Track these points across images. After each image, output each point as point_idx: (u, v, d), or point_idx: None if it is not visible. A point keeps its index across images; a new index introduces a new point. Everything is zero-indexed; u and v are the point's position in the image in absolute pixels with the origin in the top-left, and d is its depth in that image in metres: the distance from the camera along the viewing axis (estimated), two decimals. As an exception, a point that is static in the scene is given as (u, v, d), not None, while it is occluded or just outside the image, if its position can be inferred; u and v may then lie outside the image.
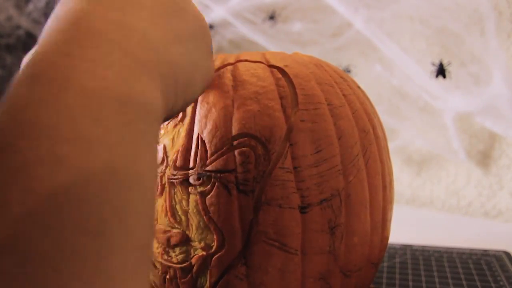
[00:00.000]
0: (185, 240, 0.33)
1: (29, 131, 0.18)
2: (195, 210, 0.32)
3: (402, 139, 0.79)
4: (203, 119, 0.32)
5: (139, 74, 0.22)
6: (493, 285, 0.47)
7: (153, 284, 0.36)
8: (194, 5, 0.29)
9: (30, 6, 0.87)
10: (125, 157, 0.19)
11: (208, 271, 0.32)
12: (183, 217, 0.33)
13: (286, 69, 0.34)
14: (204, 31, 0.29)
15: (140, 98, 0.21)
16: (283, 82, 0.33)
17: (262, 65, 0.34)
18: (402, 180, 0.83)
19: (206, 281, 0.32)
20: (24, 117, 0.18)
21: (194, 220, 0.32)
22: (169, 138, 0.34)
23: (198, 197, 0.32)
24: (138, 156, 0.20)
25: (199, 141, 0.32)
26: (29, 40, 0.88)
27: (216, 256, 0.32)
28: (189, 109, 0.33)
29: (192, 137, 0.32)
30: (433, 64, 0.68)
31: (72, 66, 0.20)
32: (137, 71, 0.22)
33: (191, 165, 0.32)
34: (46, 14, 0.89)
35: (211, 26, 0.95)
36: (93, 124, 0.19)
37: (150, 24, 0.24)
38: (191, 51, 0.27)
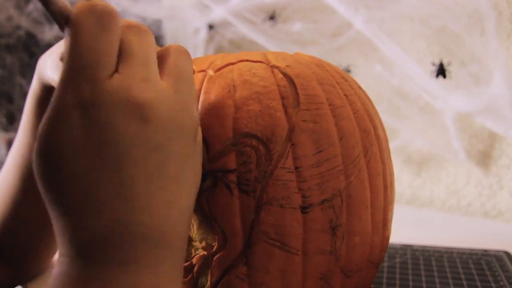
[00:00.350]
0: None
1: None
2: (196, 210, 0.32)
3: (402, 139, 0.79)
4: (205, 119, 0.32)
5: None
6: (493, 285, 0.47)
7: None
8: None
9: (30, 6, 0.87)
10: None
11: (209, 271, 0.32)
12: (184, 217, 0.33)
13: (287, 69, 0.34)
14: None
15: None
16: (284, 82, 0.33)
17: (263, 65, 0.34)
18: (402, 180, 0.83)
19: (207, 280, 0.32)
20: None
21: (195, 220, 0.32)
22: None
23: (199, 196, 0.32)
24: None
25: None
26: (29, 40, 0.88)
27: (217, 256, 0.32)
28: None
29: (193, 137, 0.33)
30: (433, 64, 0.68)
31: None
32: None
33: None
34: (46, 14, 0.88)
35: (211, 26, 0.95)
36: None
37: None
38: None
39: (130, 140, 0.25)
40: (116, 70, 0.26)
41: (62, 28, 0.26)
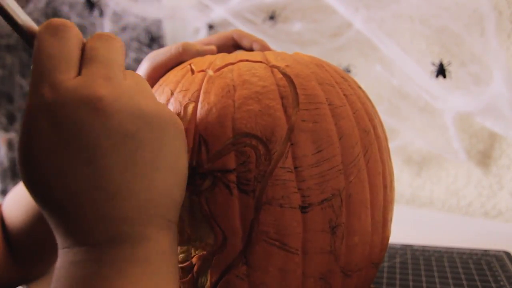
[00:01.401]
0: (186, 240, 0.33)
1: None
2: (196, 210, 0.32)
3: (402, 139, 0.79)
4: (204, 119, 0.32)
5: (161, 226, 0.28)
6: (493, 285, 0.47)
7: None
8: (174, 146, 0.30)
9: (30, 6, 0.87)
10: None
11: (209, 271, 0.32)
12: (184, 217, 0.33)
13: (287, 69, 0.34)
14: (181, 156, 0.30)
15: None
16: (284, 82, 0.33)
17: (263, 65, 0.34)
18: (402, 180, 0.83)
19: (207, 280, 0.32)
20: None
21: (195, 220, 0.32)
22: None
23: (199, 196, 0.32)
24: None
25: (201, 141, 0.32)
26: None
27: (217, 255, 0.32)
28: (190, 109, 0.33)
29: (194, 137, 0.33)
30: (433, 64, 0.68)
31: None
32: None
33: (192, 164, 0.32)
34: (46, 14, 0.88)
35: (211, 26, 0.95)
36: None
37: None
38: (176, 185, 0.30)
39: (96, 133, 0.26)
40: (80, 74, 0.28)
41: (32, 46, 0.29)
